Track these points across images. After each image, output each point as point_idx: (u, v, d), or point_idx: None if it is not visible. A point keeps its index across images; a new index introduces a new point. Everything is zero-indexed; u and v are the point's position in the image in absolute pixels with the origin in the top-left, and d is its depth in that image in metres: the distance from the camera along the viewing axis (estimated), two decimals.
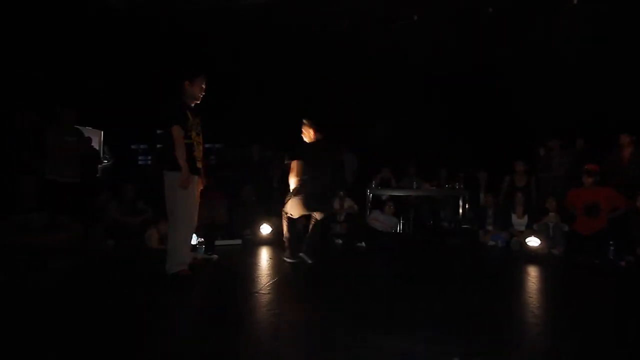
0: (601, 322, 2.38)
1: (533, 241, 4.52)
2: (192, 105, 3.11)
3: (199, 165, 3.08)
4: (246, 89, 7.61)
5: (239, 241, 4.87)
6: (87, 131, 5.71)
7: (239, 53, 7.11)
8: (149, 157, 11.14)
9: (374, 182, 6.39)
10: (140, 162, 10.73)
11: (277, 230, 5.19)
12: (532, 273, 3.68)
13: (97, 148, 6.35)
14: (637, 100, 5.75)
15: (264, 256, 4.21)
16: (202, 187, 3.19)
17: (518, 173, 5.72)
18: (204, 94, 3.13)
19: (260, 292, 2.74)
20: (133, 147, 9.91)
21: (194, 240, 3.98)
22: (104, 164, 6.30)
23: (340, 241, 5.20)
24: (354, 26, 6.63)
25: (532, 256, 4.34)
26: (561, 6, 5.85)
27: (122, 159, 7.30)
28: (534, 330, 2.21)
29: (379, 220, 5.54)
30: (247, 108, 7.56)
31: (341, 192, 5.64)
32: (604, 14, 5.68)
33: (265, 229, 5.04)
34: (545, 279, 3.56)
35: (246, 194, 5.79)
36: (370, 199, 6.22)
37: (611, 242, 4.18)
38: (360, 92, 7.08)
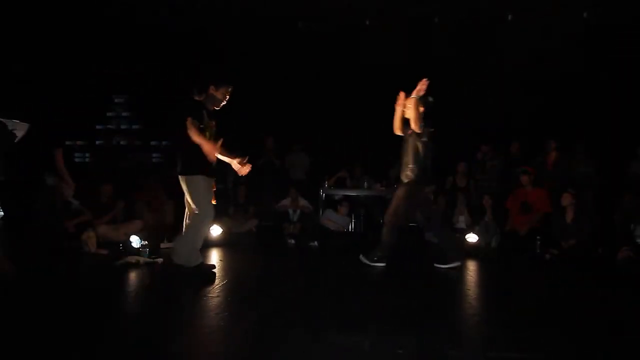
0: (527, 309, 2.61)
1: (472, 237, 4.87)
2: (211, 109, 3.16)
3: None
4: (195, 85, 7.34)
5: None
6: (12, 124, 5.14)
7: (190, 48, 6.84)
8: (87, 155, 10.32)
9: (327, 182, 6.47)
10: (77, 160, 9.93)
11: (228, 230, 5.07)
12: (471, 267, 3.96)
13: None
14: (567, 107, 6.41)
15: (214, 258, 4.08)
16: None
17: (459, 174, 6.13)
18: (225, 102, 3.18)
19: (209, 295, 2.66)
20: (68, 143, 9.11)
21: (137, 243, 3.77)
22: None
23: (293, 241, 5.20)
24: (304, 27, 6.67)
25: (471, 251, 4.67)
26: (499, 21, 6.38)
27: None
28: (472, 320, 2.38)
29: (332, 219, 5.63)
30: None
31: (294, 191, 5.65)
32: (540, 27, 6.29)
33: (215, 230, 4.89)
34: (481, 272, 3.86)
35: None
36: (324, 199, 6.30)
37: (538, 237, 4.63)
38: (312, 92, 7.13)
